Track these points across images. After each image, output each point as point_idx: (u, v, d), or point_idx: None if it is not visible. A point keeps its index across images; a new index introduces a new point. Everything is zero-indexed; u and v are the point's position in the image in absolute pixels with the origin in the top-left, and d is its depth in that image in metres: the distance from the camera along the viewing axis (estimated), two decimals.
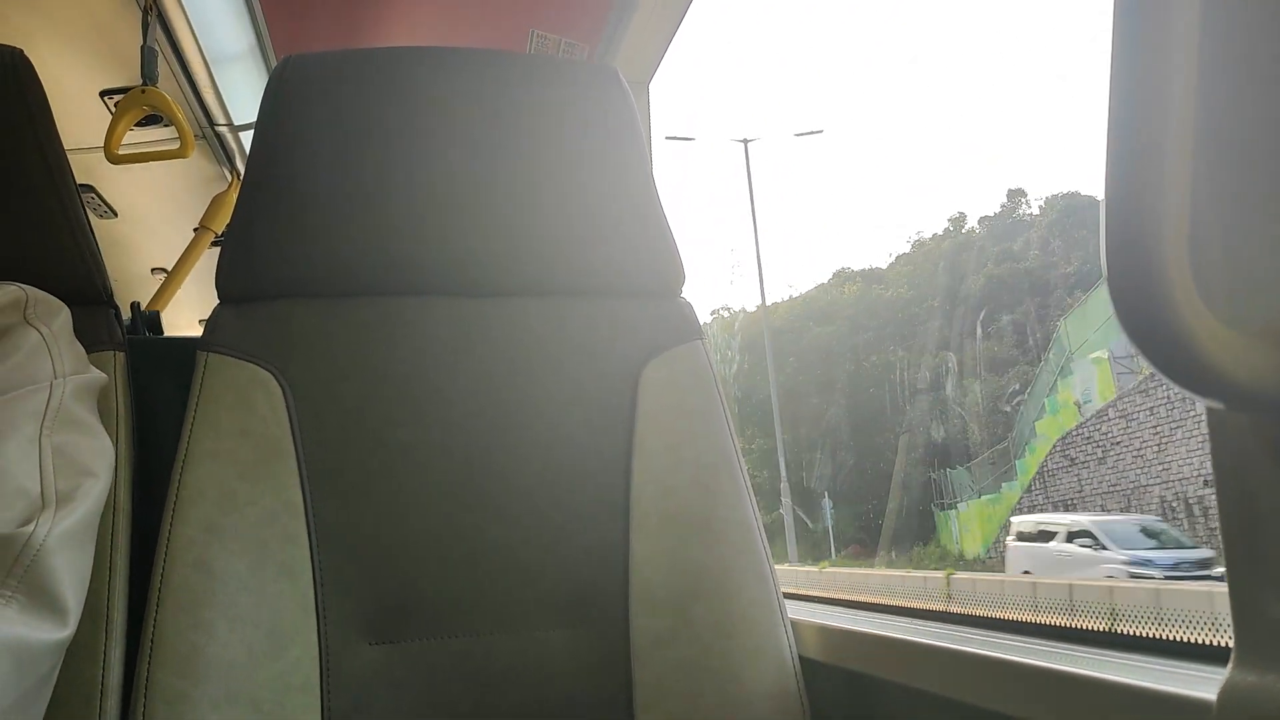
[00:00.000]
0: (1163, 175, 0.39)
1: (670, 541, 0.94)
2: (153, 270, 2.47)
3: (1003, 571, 12.58)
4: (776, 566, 0.98)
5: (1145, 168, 0.40)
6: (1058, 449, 14.91)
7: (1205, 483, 11.13)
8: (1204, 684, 0.54)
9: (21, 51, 0.88)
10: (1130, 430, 12.99)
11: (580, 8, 1.63)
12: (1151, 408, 12.48)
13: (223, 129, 1.83)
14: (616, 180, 1.01)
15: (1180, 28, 0.39)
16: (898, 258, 27.75)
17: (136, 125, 1.60)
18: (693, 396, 1.00)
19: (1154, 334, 0.40)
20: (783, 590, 0.97)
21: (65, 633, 0.70)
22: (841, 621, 0.95)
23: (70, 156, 0.91)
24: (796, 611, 0.98)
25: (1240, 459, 0.46)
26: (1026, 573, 11.14)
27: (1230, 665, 0.48)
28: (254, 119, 1.77)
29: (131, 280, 2.50)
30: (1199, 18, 0.39)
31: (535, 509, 0.94)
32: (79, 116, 1.66)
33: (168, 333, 1.17)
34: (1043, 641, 0.86)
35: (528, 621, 0.92)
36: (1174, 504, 11.98)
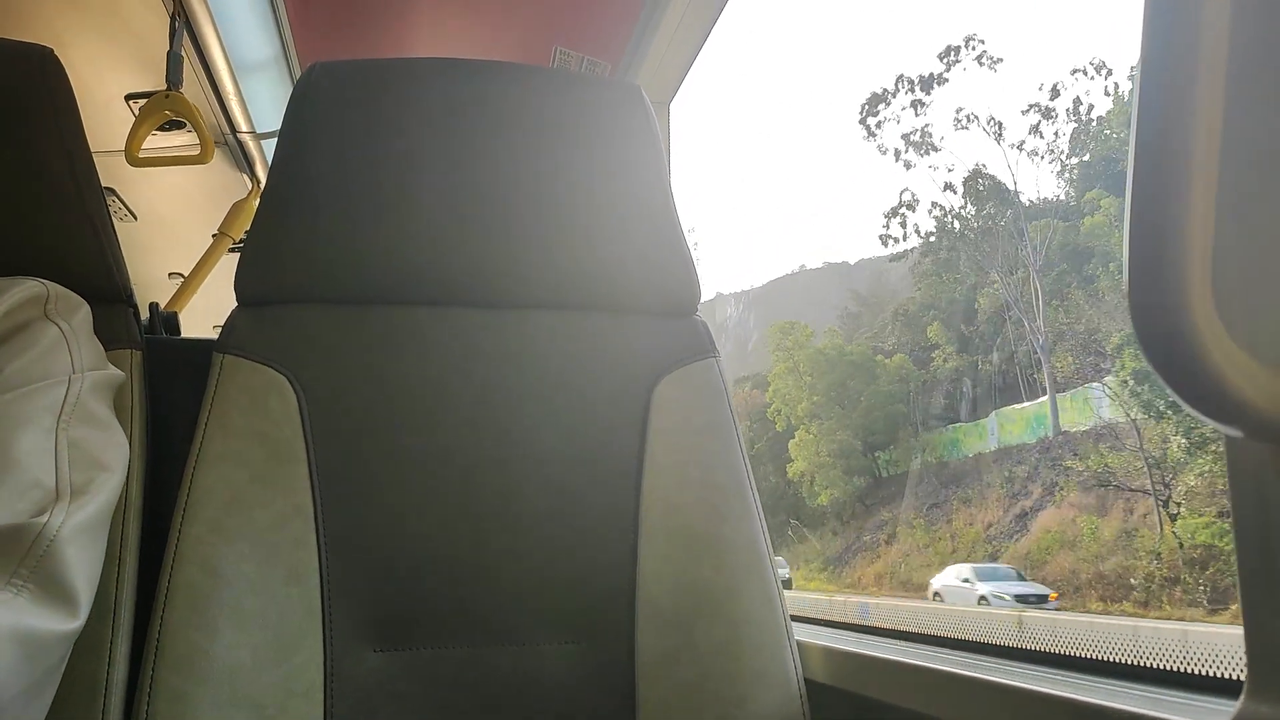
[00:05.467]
0: (1186, 201, 0.40)
1: (678, 560, 0.94)
2: (169, 275, 2.49)
3: None
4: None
5: (1169, 194, 0.40)
6: None
7: None
8: (1215, 715, 0.53)
9: (52, 51, 0.89)
10: None
11: (604, 26, 1.64)
12: None
13: (244, 136, 1.85)
14: (635, 197, 1.01)
15: (1206, 62, 0.40)
16: None
17: (159, 130, 1.61)
18: (705, 414, 1.00)
19: (1175, 361, 0.40)
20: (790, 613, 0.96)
21: (75, 624, 0.70)
22: (849, 645, 0.94)
23: (93, 158, 0.92)
24: (802, 633, 0.98)
25: (1259, 488, 0.46)
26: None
27: (1243, 697, 0.48)
28: (275, 127, 1.79)
29: (148, 284, 2.51)
30: (1225, 51, 0.40)
31: (543, 522, 0.94)
32: (103, 119, 1.68)
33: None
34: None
35: (533, 634, 0.91)
36: None
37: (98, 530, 0.75)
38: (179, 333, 1.15)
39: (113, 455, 0.79)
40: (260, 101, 1.76)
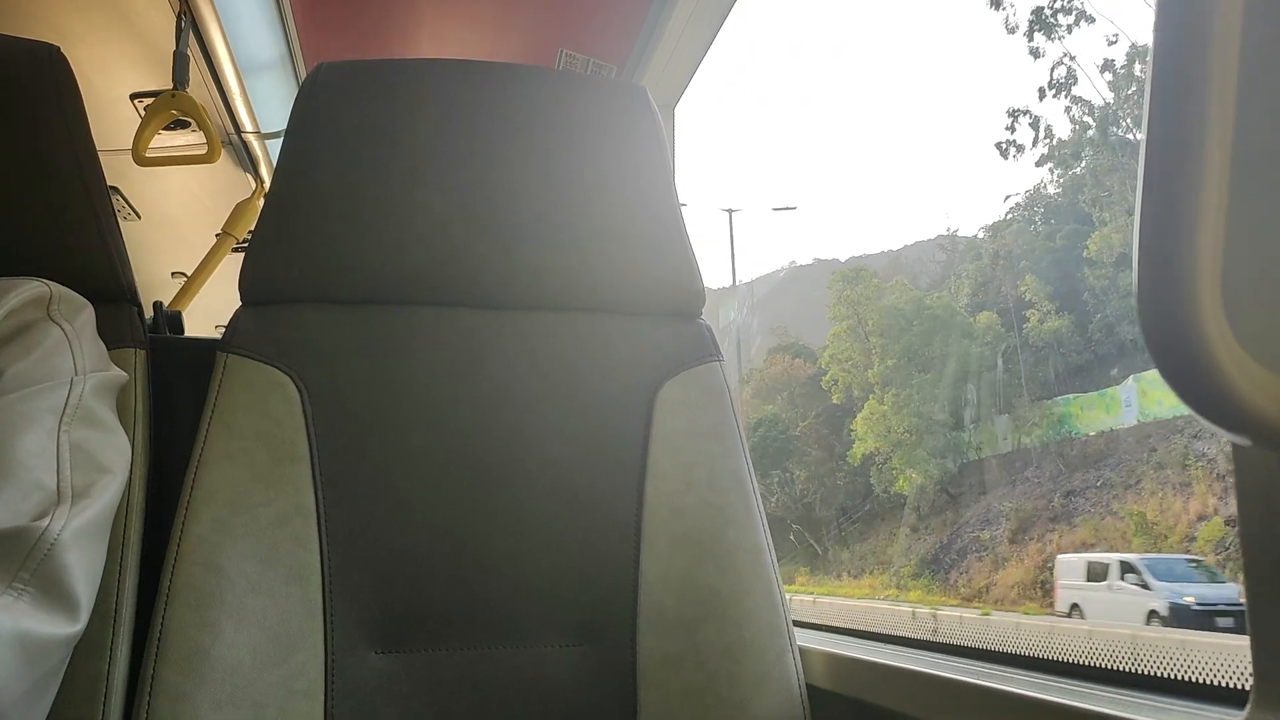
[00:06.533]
0: (1197, 207, 0.39)
1: (681, 563, 0.94)
2: (172, 274, 2.49)
3: None
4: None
5: (1179, 199, 0.40)
6: None
7: None
8: None
9: (59, 49, 0.89)
10: None
11: (609, 29, 1.64)
12: None
13: (249, 136, 1.85)
14: (640, 199, 1.01)
15: (1217, 72, 0.39)
16: None
17: (164, 129, 1.61)
18: (708, 417, 1.00)
19: (1183, 368, 0.40)
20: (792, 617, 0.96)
21: (75, 628, 0.70)
22: (851, 650, 0.94)
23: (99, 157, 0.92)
24: (805, 638, 0.97)
25: (1267, 497, 0.46)
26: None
27: (1249, 706, 0.48)
28: (279, 128, 1.80)
29: (151, 283, 2.51)
30: (1237, 52, 0.39)
31: (546, 524, 0.94)
32: (108, 118, 1.68)
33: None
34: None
35: (535, 637, 0.91)
36: None
37: (99, 533, 0.75)
38: (183, 332, 1.15)
39: (114, 457, 0.79)
40: (265, 101, 1.77)
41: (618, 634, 0.92)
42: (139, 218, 2.17)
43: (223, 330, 0.95)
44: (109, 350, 0.87)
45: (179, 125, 1.63)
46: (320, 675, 0.84)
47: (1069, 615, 13.49)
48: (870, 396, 21.04)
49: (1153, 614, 12.05)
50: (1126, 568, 13.29)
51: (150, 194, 2.09)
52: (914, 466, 19.88)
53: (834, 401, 22.54)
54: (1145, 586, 12.65)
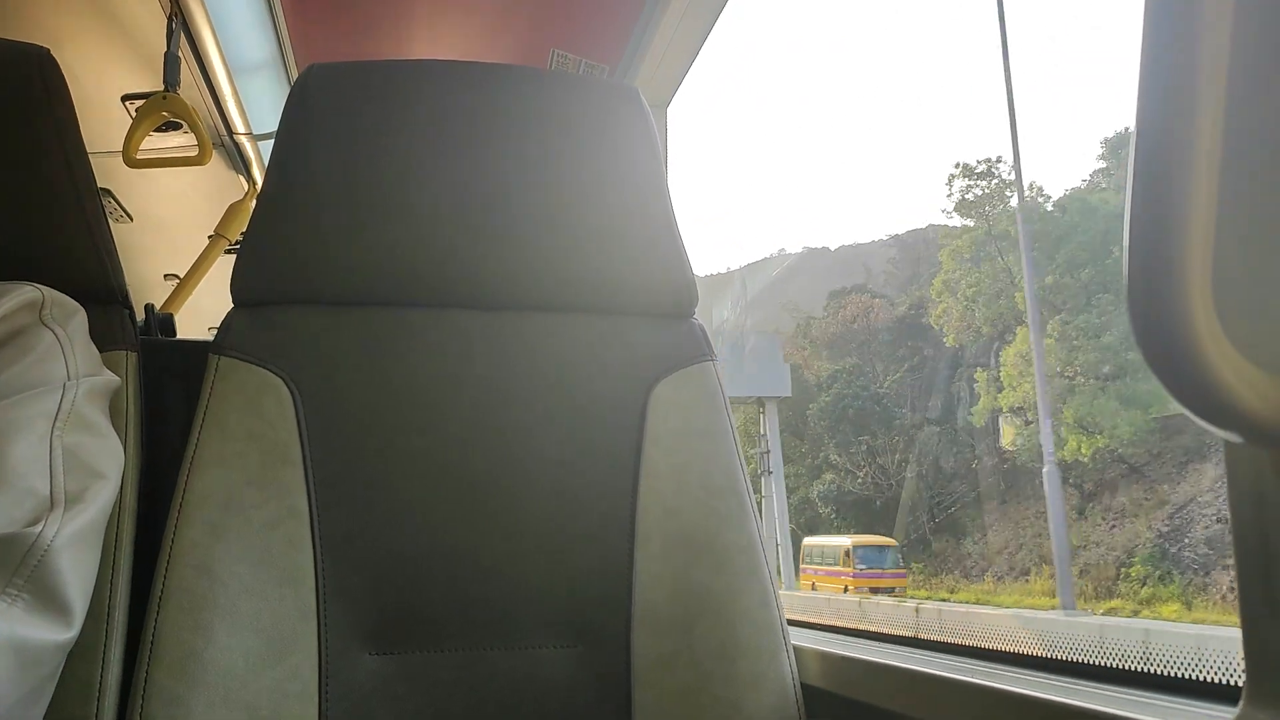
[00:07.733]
0: (1186, 206, 0.39)
1: (675, 563, 0.94)
2: (165, 276, 2.48)
3: None
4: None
5: (1169, 198, 0.40)
6: None
7: None
8: None
9: (49, 51, 0.89)
10: None
11: (602, 29, 1.64)
12: None
13: (241, 138, 1.84)
14: (634, 199, 1.01)
15: (1207, 69, 0.39)
16: None
17: (156, 131, 1.61)
18: (701, 417, 1.00)
19: (1174, 365, 0.40)
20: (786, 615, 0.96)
21: (69, 634, 0.70)
22: (844, 649, 0.94)
23: (90, 159, 0.92)
24: (799, 638, 0.98)
25: (1258, 494, 0.46)
26: None
27: (1241, 703, 0.48)
28: (271, 129, 1.79)
29: (143, 286, 2.51)
30: (1227, 52, 0.40)
31: (540, 524, 0.94)
32: (99, 120, 1.67)
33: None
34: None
35: (529, 637, 0.91)
36: None
37: (93, 538, 0.75)
38: (174, 334, 1.14)
39: (108, 462, 0.79)
40: (257, 103, 1.76)
41: (612, 634, 0.92)
42: (131, 220, 2.17)
43: (215, 332, 0.95)
44: (100, 353, 0.87)
45: (170, 127, 1.63)
46: (314, 677, 0.84)
47: None
48: (1020, 326, 14.89)
49: None
50: None
51: (142, 196, 2.08)
52: (1094, 422, 13.53)
53: (947, 344, 17.03)
54: None
